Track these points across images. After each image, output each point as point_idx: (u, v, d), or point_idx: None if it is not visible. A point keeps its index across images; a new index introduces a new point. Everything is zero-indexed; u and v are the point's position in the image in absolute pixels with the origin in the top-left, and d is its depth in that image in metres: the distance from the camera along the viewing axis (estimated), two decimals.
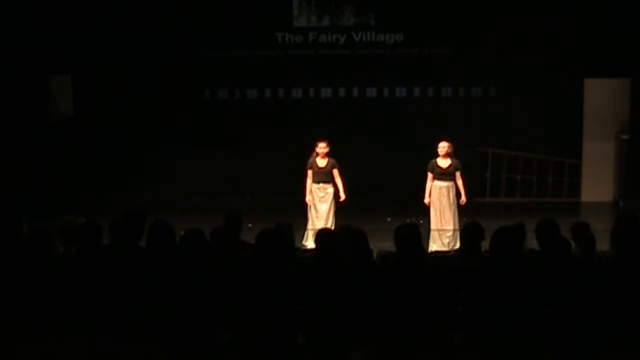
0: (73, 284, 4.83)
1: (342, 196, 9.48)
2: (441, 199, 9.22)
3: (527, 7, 12.79)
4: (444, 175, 9.21)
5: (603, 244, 5.68)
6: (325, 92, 13.84)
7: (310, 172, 9.47)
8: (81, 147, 13.42)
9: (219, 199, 12.64)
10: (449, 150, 9.21)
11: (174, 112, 13.41)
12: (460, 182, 9.26)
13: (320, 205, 9.43)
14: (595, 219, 7.12)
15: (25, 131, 12.91)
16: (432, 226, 9.23)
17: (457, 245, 8.91)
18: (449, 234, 9.12)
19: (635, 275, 4.84)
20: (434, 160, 9.28)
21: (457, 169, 9.25)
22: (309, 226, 9.40)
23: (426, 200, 9.30)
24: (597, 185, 13.43)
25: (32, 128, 13.04)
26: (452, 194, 9.24)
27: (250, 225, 6.46)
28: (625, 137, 12.97)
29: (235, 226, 6.01)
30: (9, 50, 12.53)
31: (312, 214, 9.50)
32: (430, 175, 9.28)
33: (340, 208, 9.56)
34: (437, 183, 9.23)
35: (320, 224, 9.13)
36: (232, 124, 13.45)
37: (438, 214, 9.24)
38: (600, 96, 13.23)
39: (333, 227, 8.86)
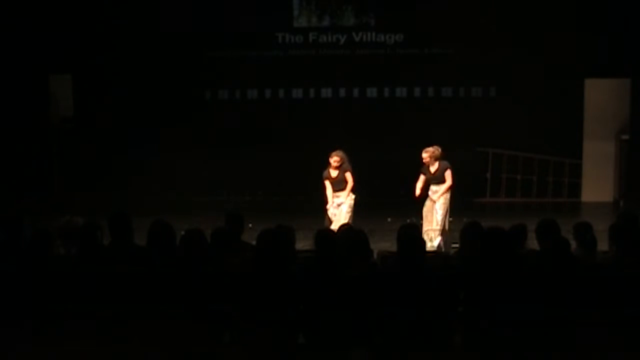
0: (73, 284, 4.83)
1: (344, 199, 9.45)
2: (426, 203, 9.18)
3: (528, 8, 12.80)
4: (432, 179, 9.15)
5: (603, 244, 5.67)
6: (325, 92, 13.84)
7: (327, 183, 9.45)
8: (81, 147, 13.42)
9: (219, 199, 12.64)
10: (429, 160, 9.10)
11: (174, 112, 13.43)
12: (447, 183, 9.01)
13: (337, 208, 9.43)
14: (596, 219, 7.10)
15: (26, 131, 12.92)
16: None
17: (435, 244, 8.93)
18: (428, 233, 9.09)
19: (635, 275, 4.84)
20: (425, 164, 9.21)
21: (444, 170, 9.15)
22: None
23: (417, 193, 9.23)
24: (598, 185, 13.43)
25: (32, 128, 13.05)
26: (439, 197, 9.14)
27: (250, 225, 6.45)
28: (625, 137, 12.97)
29: (236, 226, 6.00)
30: (9, 50, 12.54)
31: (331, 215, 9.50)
32: (422, 177, 9.21)
33: None
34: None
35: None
36: (232, 124, 13.45)
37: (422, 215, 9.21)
38: (601, 96, 13.23)
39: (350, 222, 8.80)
